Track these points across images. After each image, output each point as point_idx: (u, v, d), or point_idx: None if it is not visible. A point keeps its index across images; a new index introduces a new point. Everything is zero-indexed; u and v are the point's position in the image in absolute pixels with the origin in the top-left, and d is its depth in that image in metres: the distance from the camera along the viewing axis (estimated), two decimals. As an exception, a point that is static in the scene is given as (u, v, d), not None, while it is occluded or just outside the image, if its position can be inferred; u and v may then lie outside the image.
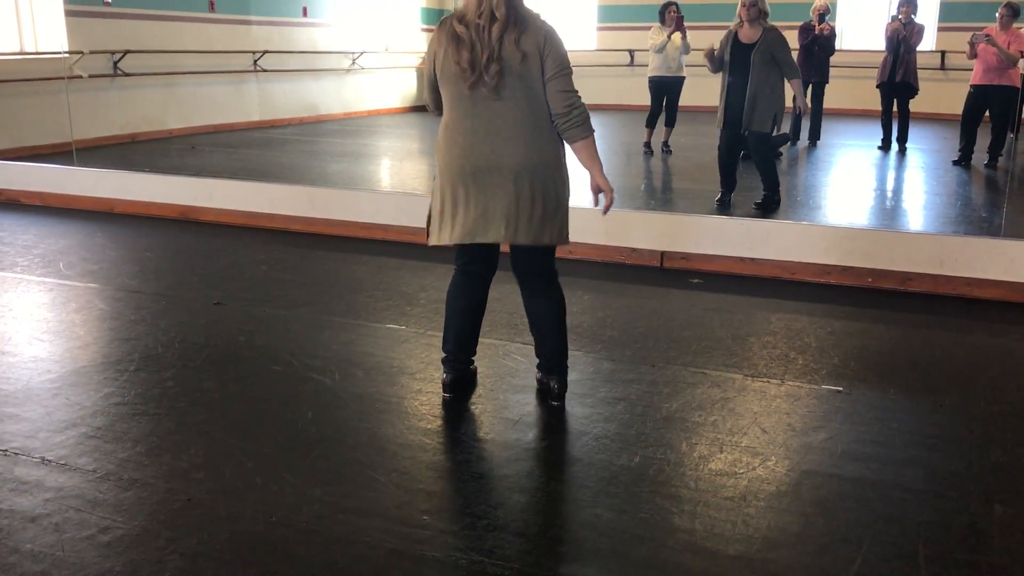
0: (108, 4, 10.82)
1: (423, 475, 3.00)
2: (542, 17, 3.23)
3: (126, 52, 10.91)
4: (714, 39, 6.58)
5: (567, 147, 3.36)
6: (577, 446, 3.22)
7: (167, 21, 11.59)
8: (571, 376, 3.66)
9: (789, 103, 6.73)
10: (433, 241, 3.41)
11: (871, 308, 4.89)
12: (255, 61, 12.91)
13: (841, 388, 3.73)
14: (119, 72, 10.96)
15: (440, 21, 3.29)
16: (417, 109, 15.42)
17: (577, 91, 3.24)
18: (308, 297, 5.00)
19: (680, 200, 8.08)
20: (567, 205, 3.37)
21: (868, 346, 4.28)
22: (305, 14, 13.90)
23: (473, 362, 3.72)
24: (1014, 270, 4.90)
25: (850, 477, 2.99)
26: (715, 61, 6.54)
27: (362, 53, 14.69)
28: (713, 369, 3.94)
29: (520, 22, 3.16)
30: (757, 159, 6.67)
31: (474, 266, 3.50)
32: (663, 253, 5.62)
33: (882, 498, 2.86)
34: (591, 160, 3.32)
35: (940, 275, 5.04)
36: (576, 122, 3.22)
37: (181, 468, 3.01)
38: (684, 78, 9.36)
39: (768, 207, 6.64)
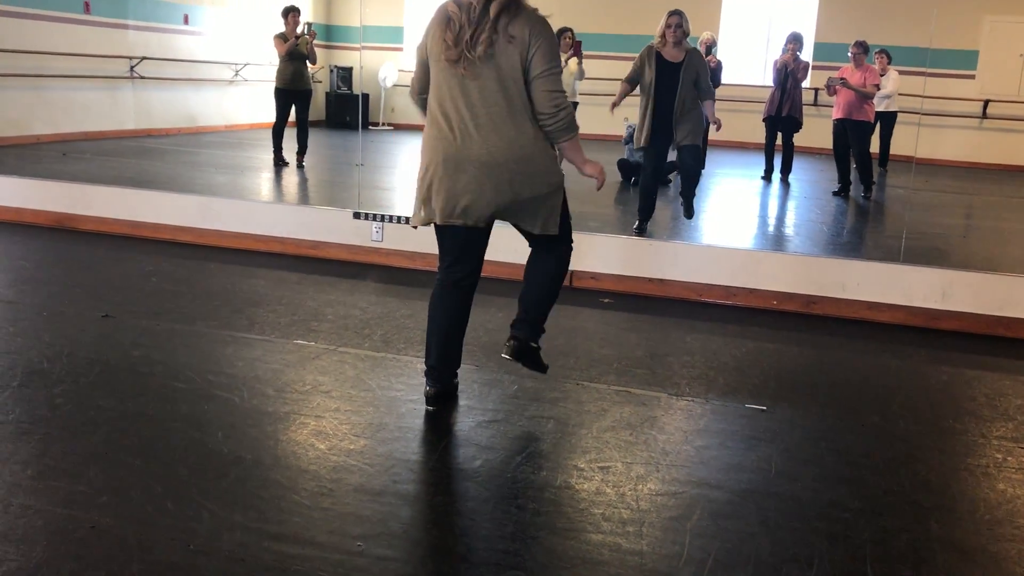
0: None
1: (352, 498, 2.80)
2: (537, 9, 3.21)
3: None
4: (607, 69, 6.52)
5: None
6: (512, 466, 3.08)
7: (35, 20, 10.89)
8: (491, 395, 3.54)
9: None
10: (413, 221, 3.42)
11: (779, 330, 4.95)
12: (132, 67, 12.31)
13: (764, 407, 3.73)
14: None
15: (441, 5, 3.25)
16: (301, 124, 14.97)
17: (564, 91, 3.21)
18: (205, 311, 4.69)
19: (589, 221, 8.05)
20: (556, 196, 3.32)
21: (784, 366, 4.31)
22: (187, 21, 13.37)
23: (457, 376, 3.57)
24: (912, 295, 5.06)
25: (788, 496, 2.96)
26: (631, 81, 6.52)
27: (245, 65, 14.22)
28: (637, 388, 3.87)
29: (514, 7, 3.13)
30: (694, 173, 6.73)
31: (458, 270, 3.39)
32: (572, 272, 5.56)
33: (822, 517, 2.84)
34: (576, 156, 3.39)
35: (843, 299, 5.16)
36: (563, 124, 3.22)
37: (81, 493, 2.72)
38: (577, 104, 9.36)
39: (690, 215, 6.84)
